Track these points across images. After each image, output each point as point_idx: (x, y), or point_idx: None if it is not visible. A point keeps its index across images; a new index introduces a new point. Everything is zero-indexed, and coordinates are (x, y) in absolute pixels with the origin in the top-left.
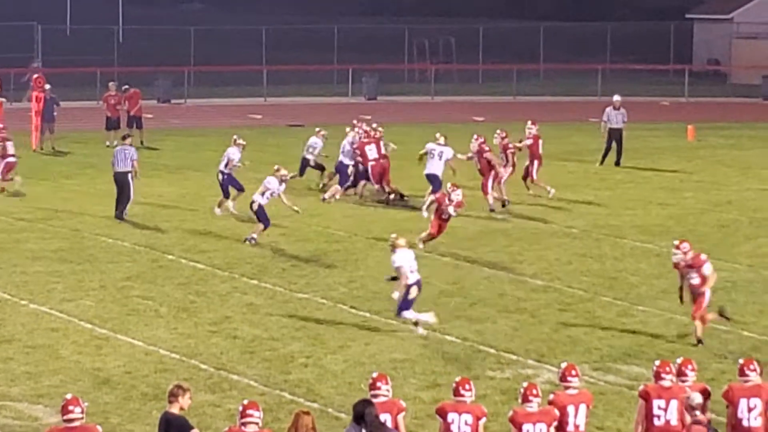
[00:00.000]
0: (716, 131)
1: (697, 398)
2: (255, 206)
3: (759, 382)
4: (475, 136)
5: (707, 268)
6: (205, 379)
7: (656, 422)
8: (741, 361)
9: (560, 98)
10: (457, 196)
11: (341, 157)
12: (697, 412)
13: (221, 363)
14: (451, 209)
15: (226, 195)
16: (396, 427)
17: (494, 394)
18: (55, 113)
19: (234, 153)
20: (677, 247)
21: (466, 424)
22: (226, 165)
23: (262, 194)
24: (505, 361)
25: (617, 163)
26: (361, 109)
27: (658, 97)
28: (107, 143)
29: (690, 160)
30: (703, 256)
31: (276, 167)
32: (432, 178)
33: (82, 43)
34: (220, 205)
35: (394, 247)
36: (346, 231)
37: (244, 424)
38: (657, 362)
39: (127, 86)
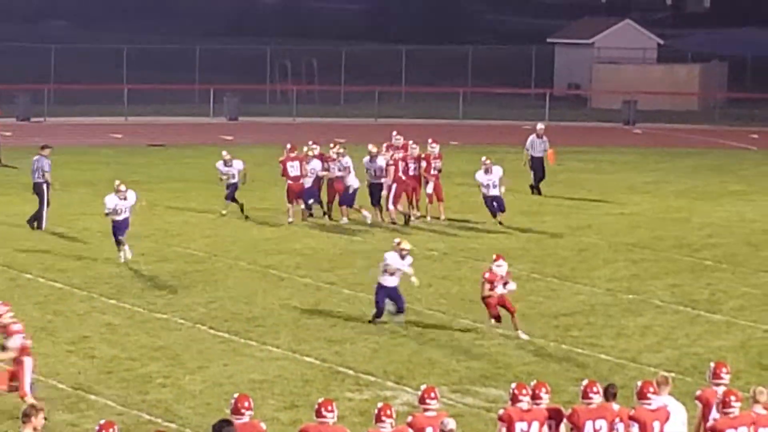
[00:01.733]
0: (576, 155)
1: (450, 424)
2: None
3: (603, 404)
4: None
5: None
6: (62, 399)
7: None
8: (585, 383)
9: (422, 120)
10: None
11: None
12: None
13: (79, 383)
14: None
15: None
16: None
17: (352, 416)
18: None
19: None
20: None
21: None
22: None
23: None
24: (364, 382)
25: (538, 191)
26: (222, 129)
27: (520, 121)
28: None
29: (550, 185)
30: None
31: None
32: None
33: None
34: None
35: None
36: (206, 251)
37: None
38: (514, 385)
39: None
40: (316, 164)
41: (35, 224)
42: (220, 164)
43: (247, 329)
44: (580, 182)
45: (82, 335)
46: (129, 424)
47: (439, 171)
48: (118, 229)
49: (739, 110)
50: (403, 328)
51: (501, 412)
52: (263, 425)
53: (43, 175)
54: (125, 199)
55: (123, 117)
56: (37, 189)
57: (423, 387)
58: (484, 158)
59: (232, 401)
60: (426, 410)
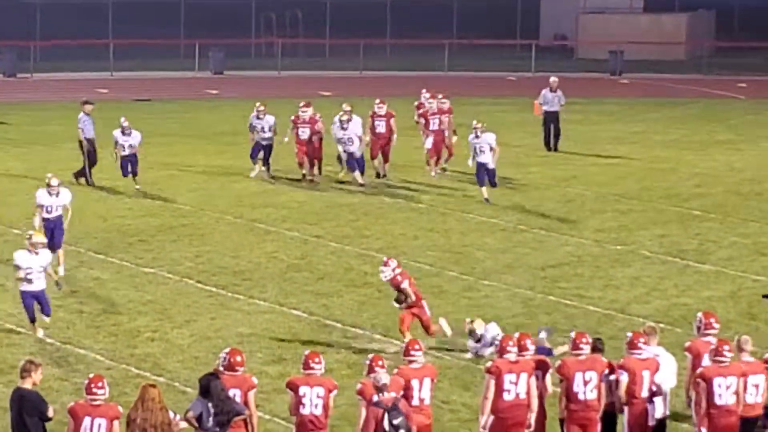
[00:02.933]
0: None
1: (383, 378)
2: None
3: (593, 356)
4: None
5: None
6: (51, 353)
7: (506, 396)
8: (573, 334)
9: (407, 73)
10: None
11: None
12: (384, 394)
13: (67, 337)
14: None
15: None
16: (246, 402)
17: (341, 368)
18: None
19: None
20: (385, 264)
21: (318, 396)
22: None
23: None
24: (351, 335)
25: (555, 148)
26: (207, 83)
27: (505, 72)
28: None
29: (535, 135)
30: (399, 277)
31: None
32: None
33: None
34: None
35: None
36: (193, 206)
37: (90, 398)
38: (499, 336)
39: None
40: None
41: (84, 179)
42: (117, 133)
43: (235, 283)
44: (566, 133)
45: (70, 290)
46: (117, 378)
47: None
48: (47, 229)
49: (726, 59)
50: None
51: (489, 364)
52: (255, 380)
53: (83, 132)
54: (57, 195)
55: (108, 72)
56: (81, 145)
57: (407, 339)
58: (474, 122)
59: (225, 357)
60: (411, 362)
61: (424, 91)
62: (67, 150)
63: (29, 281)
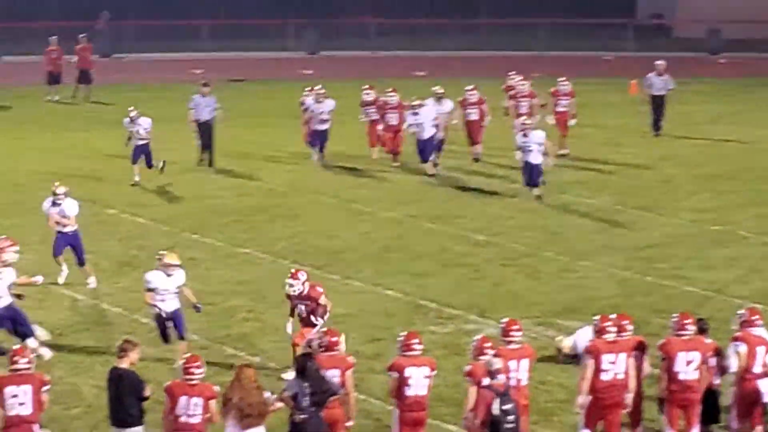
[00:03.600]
0: None
1: (497, 363)
2: None
3: (697, 337)
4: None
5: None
6: (146, 333)
7: (604, 377)
8: (676, 316)
9: (500, 53)
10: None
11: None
12: (499, 377)
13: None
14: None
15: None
16: (344, 382)
17: (435, 349)
18: None
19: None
20: (294, 277)
21: (424, 377)
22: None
23: None
24: (447, 315)
25: (657, 129)
26: (302, 63)
27: (601, 52)
28: (48, 98)
29: (632, 116)
30: (319, 288)
31: None
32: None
33: None
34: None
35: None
36: (287, 186)
37: (187, 377)
38: (597, 317)
39: (83, 35)
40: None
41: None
42: (126, 121)
43: (329, 263)
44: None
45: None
46: (212, 357)
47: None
48: (59, 245)
49: None
50: (486, 262)
51: (588, 344)
52: (352, 359)
53: (195, 113)
54: (60, 204)
55: (203, 52)
56: (207, 126)
57: (505, 320)
58: (523, 118)
59: (322, 337)
60: (509, 343)
61: (513, 73)
62: (161, 131)
63: (162, 302)
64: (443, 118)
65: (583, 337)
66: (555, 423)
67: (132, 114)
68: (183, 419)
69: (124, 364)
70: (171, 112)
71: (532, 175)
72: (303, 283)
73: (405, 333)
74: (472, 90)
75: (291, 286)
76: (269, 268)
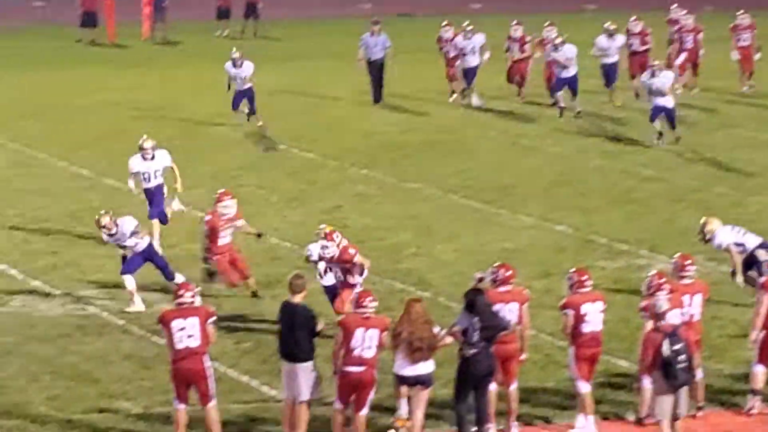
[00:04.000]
0: None
1: (663, 305)
2: None
3: None
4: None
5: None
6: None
7: None
8: None
9: None
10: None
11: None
12: (664, 320)
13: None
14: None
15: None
16: (521, 316)
17: (606, 284)
18: (165, 2)
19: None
20: (329, 238)
21: (599, 312)
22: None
23: None
24: (617, 251)
25: None
26: None
27: None
28: (217, 33)
29: None
30: (352, 250)
31: None
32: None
33: None
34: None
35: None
36: (456, 121)
37: (361, 310)
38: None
39: None
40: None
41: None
42: (228, 65)
43: (499, 198)
44: None
45: (335, 205)
46: (383, 292)
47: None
48: (152, 202)
49: None
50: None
51: (762, 279)
52: (527, 292)
53: (366, 52)
54: (153, 159)
55: None
56: (378, 65)
57: (678, 255)
58: (650, 59)
59: (495, 271)
60: (682, 278)
61: (675, 6)
62: (327, 66)
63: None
64: (615, 52)
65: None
66: (727, 358)
67: (234, 56)
68: (357, 353)
69: (297, 299)
70: (339, 47)
71: (666, 116)
72: (338, 245)
73: (575, 270)
74: (635, 21)
75: (326, 248)
76: (438, 204)
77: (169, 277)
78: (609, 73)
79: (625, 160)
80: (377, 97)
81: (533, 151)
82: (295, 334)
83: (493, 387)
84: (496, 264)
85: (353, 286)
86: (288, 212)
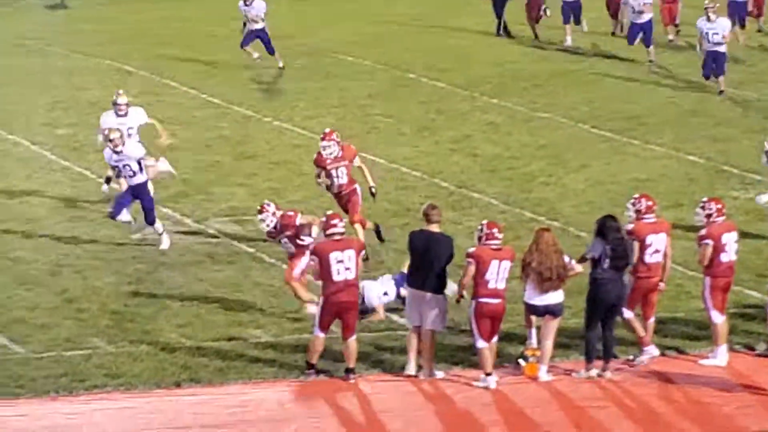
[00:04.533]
0: None
1: None
2: None
3: None
4: None
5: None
6: (445, 197)
7: None
8: None
9: None
10: None
11: None
12: None
13: (462, 181)
14: None
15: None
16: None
17: (737, 215)
18: None
19: None
20: (262, 210)
21: (734, 242)
22: None
23: None
24: (749, 181)
25: None
26: None
27: None
28: None
29: None
30: (290, 213)
31: None
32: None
33: None
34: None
35: None
36: (585, 50)
37: (492, 242)
38: None
39: None
40: None
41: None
42: (240, 4)
43: (629, 128)
44: None
45: (465, 134)
46: (512, 221)
47: None
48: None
49: None
50: None
51: None
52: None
53: None
54: (125, 115)
55: None
56: None
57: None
58: (707, 1)
59: (637, 202)
60: None
61: None
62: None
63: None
64: None
65: None
66: None
67: None
68: (491, 285)
69: (433, 228)
70: None
71: (716, 63)
72: (273, 214)
73: (709, 199)
74: None
75: (263, 221)
76: (568, 133)
77: (150, 220)
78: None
79: (760, 90)
80: (499, 30)
81: (667, 80)
82: (433, 263)
83: (629, 315)
84: (636, 195)
85: (305, 248)
86: (418, 141)
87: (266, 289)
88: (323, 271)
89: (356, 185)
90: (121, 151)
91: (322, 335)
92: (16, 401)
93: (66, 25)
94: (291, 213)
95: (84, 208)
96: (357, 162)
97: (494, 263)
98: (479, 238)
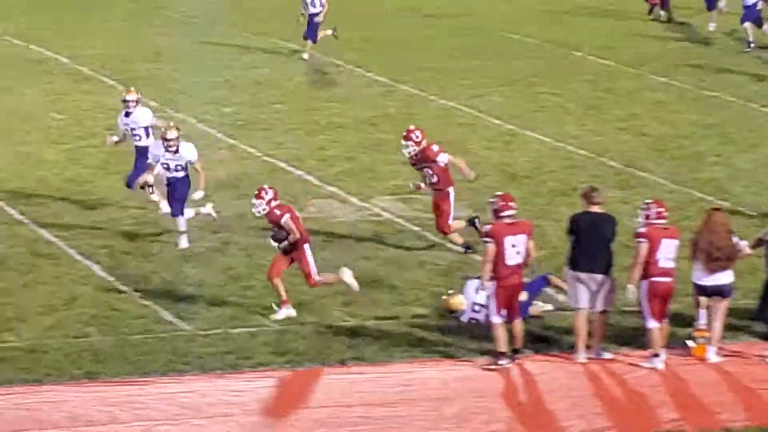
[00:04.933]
0: None
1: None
2: None
3: None
4: None
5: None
6: (613, 176)
7: None
8: None
9: None
10: None
11: None
12: None
13: (629, 160)
14: None
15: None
16: None
17: None
18: None
19: None
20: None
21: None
22: None
23: None
24: None
25: None
26: None
27: None
28: None
29: None
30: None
31: None
32: None
33: None
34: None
35: None
36: (757, 32)
37: (660, 222)
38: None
39: None
40: None
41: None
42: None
43: None
44: None
45: (632, 113)
46: (680, 201)
47: None
48: (135, 163)
49: None
50: None
51: None
52: None
53: None
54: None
55: None
56: None
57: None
58: None
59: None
60: None
61: None
62: None
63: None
64: None
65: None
66: None
67: None
68: (662, 264)
69: (597, 208)
70: None
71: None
72: (268, 203)
73: (651, 200)
74: None
75: (255, 207)
76: (738, 112)
77: (176, 213)
78: None
79: None
80: (661, 13)
81: None
82: (601, 244)
83: None
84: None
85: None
86: (585, 120)
87: (431, 269)
88: (498, 254)
89: (450, 188)
90: (177, 151)
91: (500, 320)
92: (183, 377)
93: (233, 2)
94: (278, 211)
95: (250, 186)
96: (444, 160)
97: (664, 242)
98: (646, 216)
